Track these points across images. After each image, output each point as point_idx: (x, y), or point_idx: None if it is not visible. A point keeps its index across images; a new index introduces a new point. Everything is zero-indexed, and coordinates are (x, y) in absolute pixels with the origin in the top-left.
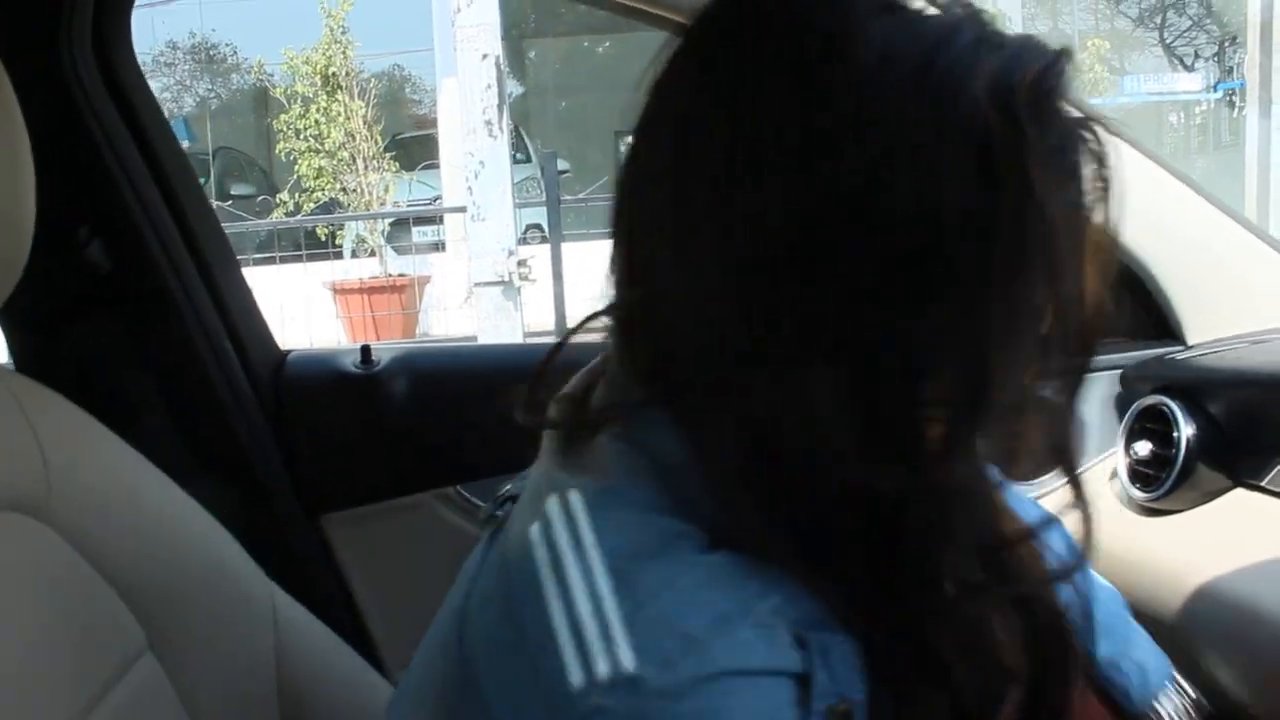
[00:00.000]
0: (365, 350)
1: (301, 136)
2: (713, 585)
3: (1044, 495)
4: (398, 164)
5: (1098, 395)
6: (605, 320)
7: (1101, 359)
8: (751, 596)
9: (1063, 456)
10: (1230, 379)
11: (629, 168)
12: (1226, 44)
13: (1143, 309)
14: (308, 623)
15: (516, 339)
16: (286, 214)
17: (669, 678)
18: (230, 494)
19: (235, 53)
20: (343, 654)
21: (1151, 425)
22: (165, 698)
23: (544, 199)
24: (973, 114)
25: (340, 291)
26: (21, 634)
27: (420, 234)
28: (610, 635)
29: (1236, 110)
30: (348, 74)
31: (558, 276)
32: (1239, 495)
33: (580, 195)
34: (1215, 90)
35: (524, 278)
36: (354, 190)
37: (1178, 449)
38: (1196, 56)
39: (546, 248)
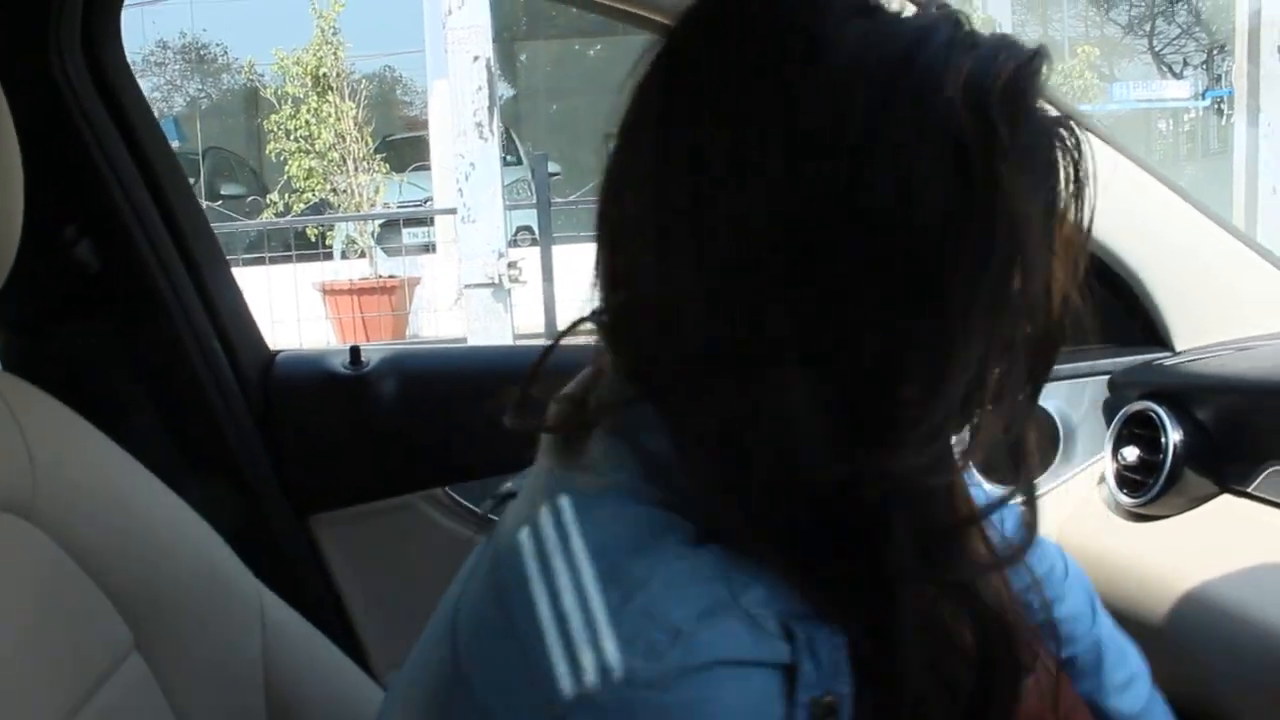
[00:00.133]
0: (354, 351)
1: (292, 137)
2: (699, 578)
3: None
4: (388, 165)
5: (1086, 400)
6: (594, 323)
7: (1090, 365)
8: (738, 588)
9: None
10: (1218, 385)
11: (611, 171)
12: (1215, 52)
13: (1131, 315)
14: (295, 623)
15: (506, 341)
16: (276, 214)
17: (656, 668)
18: (218, 494)
19: (226, 53)
20: (330, 654)
21: (1139, 431)
22: (152, 698)
23: (534, 201)
24: (947, 114)
25: (330, 292)
26: (7, 634)
27: (410, 235)
28: (597, 627)
29: (1225, 118)
30: (338, 75)
31: (548, 278)
32: (1226, 501)
33: (571, 198)
34: (1204, 98)
35: (514, 280)
36: (344, 191)
37: (1165, 455)
38: (1185, 64)
39: (537, 250)
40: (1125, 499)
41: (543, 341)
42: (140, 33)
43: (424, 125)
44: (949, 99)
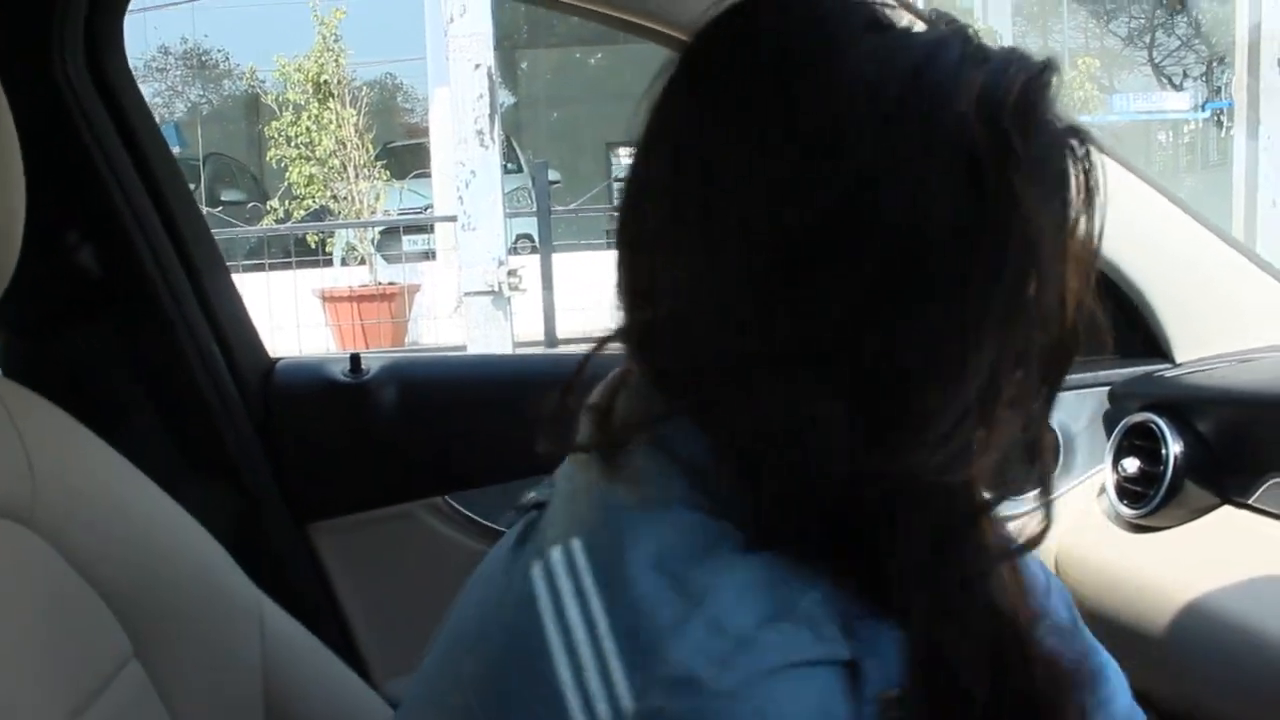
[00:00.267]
0: (355, 359)
1: (293, 144)
2: (759, 584)
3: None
4: (389, 172)
5: (1086, 412)
6: (621, 338)
7: (1090, 376)
8: (796, 592)
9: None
10: (1218, 397)
11: (630, 187)
12: (1214, 64)
13: (1131, 327)
14: (295, 631)
15: (506, 349)
16: (277, 221)
17: (727, 678)
18: (218, 501)
19: (227, 59)
20: (330, 663)
21: (1140, 442)
22: (151, 706)
23: (535, 209)
24: (960, 128)
25: (330, 299)
26: (6, 641)
27: (410, 243)
28: (663, 639)
29: (1224, 130)
30: (339, 82)
31: (548, 286)
32: (1226, 513)
33: (571, 206)
34: (1203, 110)
35: (514, 287)
36: (345, 198)
37: (1166, 466)
38: (1185, 76)
39: (537, 258)
40: (1126, 510)
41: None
42: (142, 38)
43: (425, 132)
44: (962, 113)
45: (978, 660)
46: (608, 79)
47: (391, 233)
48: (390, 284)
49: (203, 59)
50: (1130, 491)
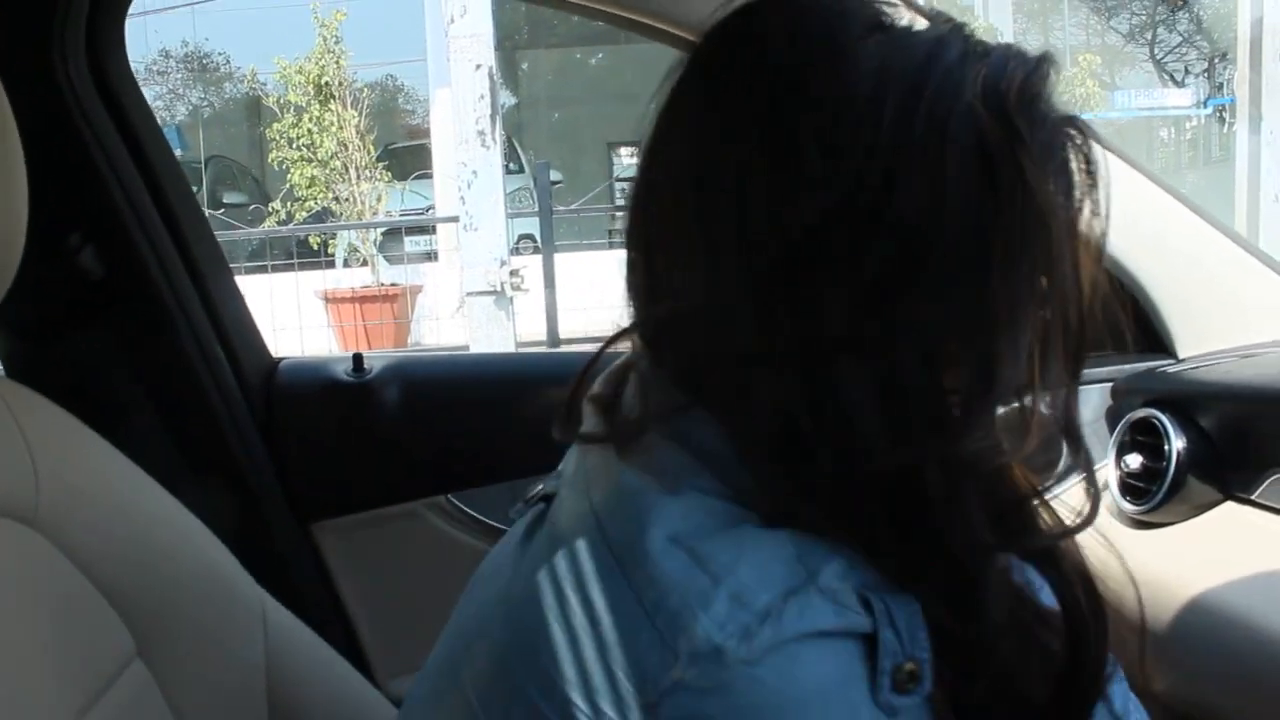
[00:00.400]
0: (357, 358)
1: (294, 145)
2: (779, 557)
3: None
4: (390, 173)
5: (1089, 408)
6: (634, 335)
7: (1093, 372)
8: (815, 566)
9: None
10: (1221, 392)
11: (637, 187)
12: (1216, 60)
13: (1134, 322)
14: (298, 630)
15: (509, 349)
16: (279, 223)
17: (749, 647)
18: (221, 501)
19: (228, 61)
20: (332, 662)
21: (1142, 438)
22: (154, 705)
23: (537, 209)
24: (970, 117)
25: (332, 300)
26: (9, 641)
27: (413, 243)
28: (689, 613)
29: (1226, 126)
30: (340, 83)
31: (550, 286)
32: (1229, 509)
33: (573, 206)
34: (1205, 106)
35: (516, 287)
36: (346, 199)
37: (1168, 462)
38: (1187, 72)
39: (539, 258)
40: (1128, 506)
41: (545, 349)
42: (143, 41)
43: (426, 133)
44: (969, 103)
45: (999, 632)
46: (609, 79)
47: (393, 234)
48: (392, 285)
49: (204, 62)
50: (1133, 487)
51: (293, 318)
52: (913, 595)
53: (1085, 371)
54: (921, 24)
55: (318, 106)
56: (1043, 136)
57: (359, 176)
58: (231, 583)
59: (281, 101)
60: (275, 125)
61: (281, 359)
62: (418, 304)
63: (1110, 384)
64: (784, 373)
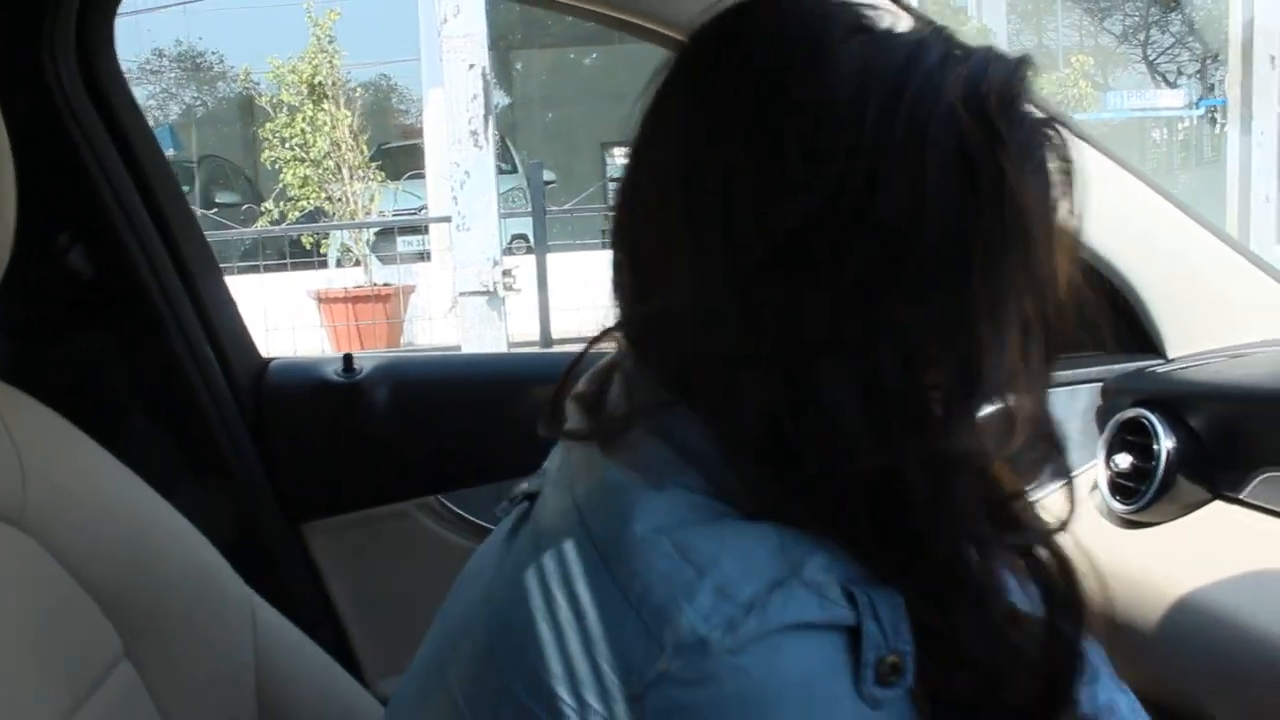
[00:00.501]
0: (347, 359)
1: (287, 145)
2: (763, 549)
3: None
4: (383, 173)
5: (1079, 408)
6: (619, 334)
7: (1083, 372)
8: (800, 557)
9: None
10: (1210, 392)
11: (624, 187)
12: (1209, 61)
13: (1124, 322)
14: (287, 631)
15: (501, 349)
16: (271, 223)
17: (734, 638)
18: (211, 501)
19: (221, 61)
20: (323, 662)
21: (1132, 438)
22: (142, 706)
23: (529, 209)
24: (950, 118)
25: (325, 301)
26: None
27: (405, 243)
28: (674, 605)
29: (1218, 127)
30: (334, 83)
31: (543, 286)
32: (1218, 508)
33: (566, 206)
34: (1197, 107)
35: (509, 288)
36: (339, 199)
37: (1158, 462)
38: (1179, 73)
39: (532, 258)
40: (1118, 506)
41: (537, 349)
42: (136, 41)
43: (419, 133)
44: (950, 104)
45: (980, 629)
46: (603, 79)
47: (386, 234)
48: (385, 285)
49: (197, 61)
50: (1123, 487)
51: (285, 318)
52: (896, 589)
53: (1076, 372)
54: (905, 25)
55: (311, 106)
56: (1021, 137)
57: (352, 176)
58: (221, 583)
59: (275, 101)
60: (268, 125)
61: (271, 359)
62: (410, 304)
63: (1100, 384)
64: (768, 373)
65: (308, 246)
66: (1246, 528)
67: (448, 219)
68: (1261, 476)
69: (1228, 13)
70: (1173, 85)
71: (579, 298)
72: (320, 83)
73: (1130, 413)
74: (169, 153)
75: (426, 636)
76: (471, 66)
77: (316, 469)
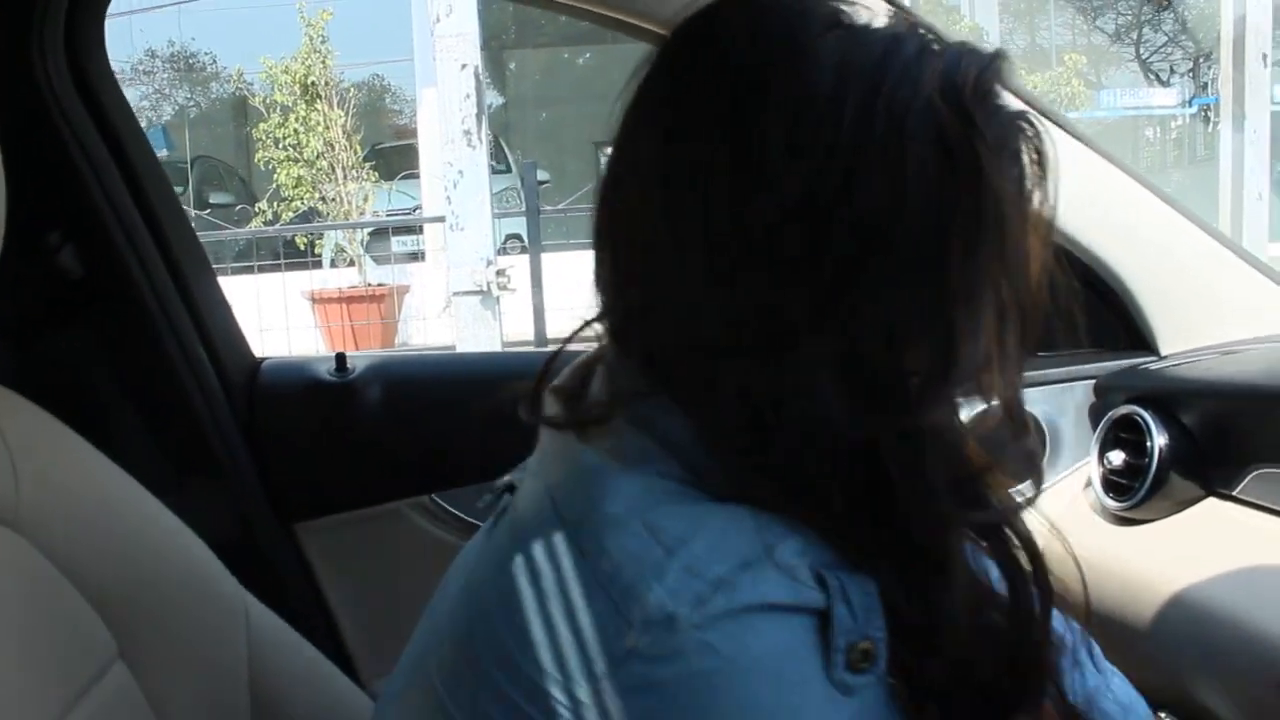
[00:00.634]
0: (340, 358)
1: (280, 145)
2: (737, 530)
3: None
4: (377, 174)
5: (1072, 405)
6: (600, 324)
7: (1076, 369)
8: (774, 539)
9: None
10: (1203, 389)
11: (610, 180)
12: (1201, 60)
13: (1117, 320)
14: (281, 631)
15: (495, 349)
16: (265, 223)
17: (701, 613)
18: (204, 502)
19: (214, 61)
20: (316, 662)
21: (1125, 435)
22: (136, 707)
23: (523, 209)
24: (928, 109)
25: (319, 301)
26: None
27: (399, 244)
28: (642, 583)
29: (1211, 125)
30: (327, 83)
31: (537, 286)
32: (1211, 505)
33: (560, 206)
34: (1190, 105)
35: (503, 287)
36: (333, 199)
37: (1151, 458)
38: (1172, 72)
39: (526, 258)
40: (1111, 503)
41: (532, 349)
42: (128, 41)
43: (413, 133)
44: (927, 97)
45: (955, 614)
46: (596, 79)
47: (380, 234)
48: (379, 285)
49: (190, 62)
50: (1116, 484)
51: (279, 318)
52: (869, 576)
53: (1069, 369)
54: (881, 20)
55: (304, 106)
56: (998, 127)
57: (345, 176)
58: (214, 583)
59: (268, 101)
60: (261, 125)
61: (264, 359)
62: (405, 304)
63: (1093, 381)
64: (749, 362)
65: (302, 247)
66: (1239, 524)
67: (441, 219)
68: (1254, 473)
69: (1219, 11)
70: (1165, 83)
71: (573, 297)
72: (313, 83)
73: (1123, 410)
74: (162, 153)
75: (414, 633)
76: (464, 66)
77: (309, 468)
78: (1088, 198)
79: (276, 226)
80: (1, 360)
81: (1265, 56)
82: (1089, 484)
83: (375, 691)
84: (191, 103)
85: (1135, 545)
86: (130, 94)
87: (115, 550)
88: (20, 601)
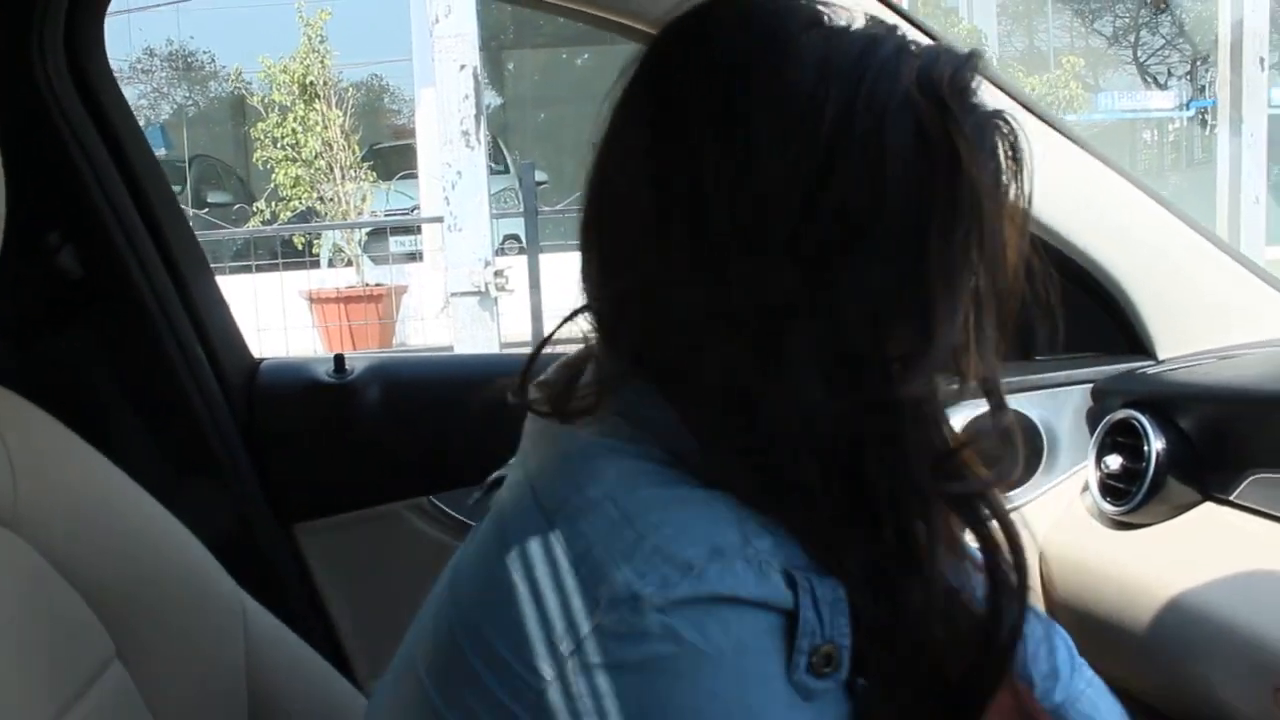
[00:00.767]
0: (339, 359)
1: (279, 145)
2: (711, 519)
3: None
4: (375, 174)
5: (1070, 409)
6: (588, 314)
7: (1073, 373)
8: (748, 534)
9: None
10: (1200, 394)
11: (596, 181)
12: (1198, 63)
13: (1114, 324)
14: (279, 632)
15: (493, 349)
16: (263, 222)
17: (665, 594)
18: (202, 502)
19: (213, 60)
20: (314, 663)
21: (1122, 439)
22: (133, 707)
23: (522, 209)
24: (907, 103)
25: (317, 301)
26: None
27: (397, 244)
28: (613, 563)
29: (1208, 128)
30: (325, 83)
31: (535, 287)
32: (1208, 509)
33: (558, 206)
34: (1188, 108)
35: (501, 288)
36: (331, 199)
37: (1148, 463)
38: (1169, 75)
39: (524, 258)
40: (1108, 507)
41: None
42: (127, 40)
43: (411, 133)
44: (906, 89)
45: (925, 611)
46: (595, 79)
47: (378, 234)
48: (377, 285)
49: (188, 61)
50: (1113, 488)
51: (277, 318)
52: (839, 580)
53: (1067, 373)
54: (859, 22)
55: (302, 106)
56: (974, 121)
57: (344, 176)
58: (212, 584)
59: (266, 101)
60: (260, 125)
61: (263, 359)
62: (402, 304)
63: (1091, 386)
64: (734, 344)
65: (299, 247)
66: (1236, 529)
67: (439, 219)
68: (1251, 478)
69: (1217, 14)
70: (1163, 87)
71: (571, 298)
72: (312, 83)
73: (1120, 414)
74: (160, 152)
75: (414, 623)
76: (463, 67)
77: (308, 469)
78: (1084, 201)
79: (274, 226)
80: (1, 360)
81: (1263, 60)
82: (1086, 488)
83: (371, 692)
84: (190, 102)
85: (1132, 550)
86: (128, 92)
87: (114, 550)
88: (18, 601)
